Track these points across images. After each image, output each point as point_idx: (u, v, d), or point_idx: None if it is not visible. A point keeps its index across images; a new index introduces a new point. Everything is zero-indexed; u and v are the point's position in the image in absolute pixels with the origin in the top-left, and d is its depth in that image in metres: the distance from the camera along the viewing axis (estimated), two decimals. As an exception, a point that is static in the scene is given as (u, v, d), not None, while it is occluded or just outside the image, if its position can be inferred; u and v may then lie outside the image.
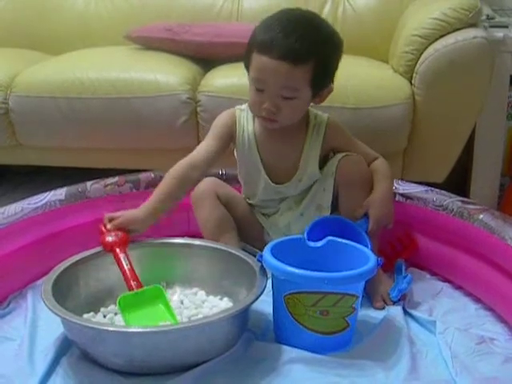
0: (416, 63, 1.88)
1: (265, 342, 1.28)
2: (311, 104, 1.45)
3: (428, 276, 1.58)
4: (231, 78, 1.97)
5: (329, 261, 1.31)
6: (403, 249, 1.59)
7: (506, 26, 2.13)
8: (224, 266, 1.40)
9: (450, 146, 1.95)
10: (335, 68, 1.42)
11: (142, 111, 1.97)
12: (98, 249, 1.39)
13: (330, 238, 1.34)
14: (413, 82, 1.89)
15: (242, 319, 1.26)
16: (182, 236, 1.52)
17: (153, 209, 1.40)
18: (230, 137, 1.50)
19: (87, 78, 1.99)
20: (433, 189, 1.64)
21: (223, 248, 1.43)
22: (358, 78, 1.90)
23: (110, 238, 1.36)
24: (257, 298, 1.23)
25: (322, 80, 1.39)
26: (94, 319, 1.31)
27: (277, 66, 1.32)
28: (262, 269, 1.30)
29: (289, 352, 1.23)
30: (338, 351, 1.25)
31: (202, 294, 1.41)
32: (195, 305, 1.37)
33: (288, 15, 1.39)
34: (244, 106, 1.51)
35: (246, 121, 1.50)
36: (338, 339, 1.26)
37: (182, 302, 1.38)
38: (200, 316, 1.31)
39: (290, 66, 1.32)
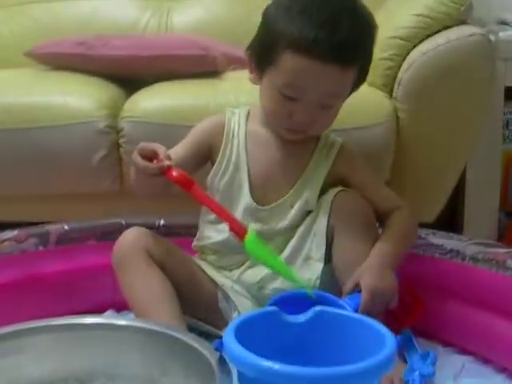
0: (397, 72, 1.60)
1: None
2: None
3: (441, 348, 1.25)
4: (162, 98, 1.66)
5: (321, 344, 0.95)
6: (406, 313, 1.24)
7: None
8: (163, 355, 1.04)
9: (443, 176, 1.67)
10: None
11: (48, 146, 1.63)
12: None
13: (320, 307, 0.97)
14: (394, 95, 1.60)
15: None
16: (105, 310, 1.32)
17: None
18: (209, 145, 1.27)
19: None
20: (435, 231, 1.35)
21: (160, 329, 1.06)
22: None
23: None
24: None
25: (362, 80, 1.22)
26: None
27: (325, 69, 1.11)
28: (222, 361, 0.92)
29: None
30: None
31: (131, 396, 1.04)
32: (122, 414, 0.98)
33: None
34: (237, 110, 1.29)
35: (237, 125, 1.27)
36: None
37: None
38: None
39: (340, 69, 1.12)
